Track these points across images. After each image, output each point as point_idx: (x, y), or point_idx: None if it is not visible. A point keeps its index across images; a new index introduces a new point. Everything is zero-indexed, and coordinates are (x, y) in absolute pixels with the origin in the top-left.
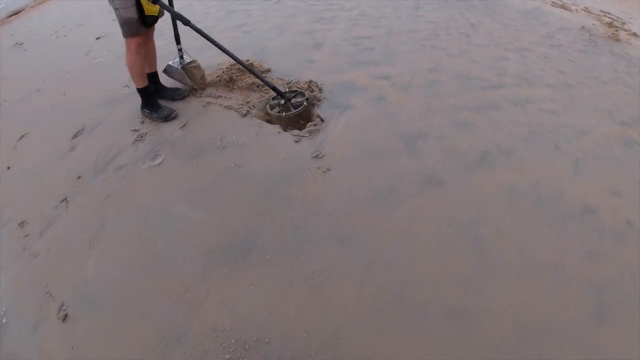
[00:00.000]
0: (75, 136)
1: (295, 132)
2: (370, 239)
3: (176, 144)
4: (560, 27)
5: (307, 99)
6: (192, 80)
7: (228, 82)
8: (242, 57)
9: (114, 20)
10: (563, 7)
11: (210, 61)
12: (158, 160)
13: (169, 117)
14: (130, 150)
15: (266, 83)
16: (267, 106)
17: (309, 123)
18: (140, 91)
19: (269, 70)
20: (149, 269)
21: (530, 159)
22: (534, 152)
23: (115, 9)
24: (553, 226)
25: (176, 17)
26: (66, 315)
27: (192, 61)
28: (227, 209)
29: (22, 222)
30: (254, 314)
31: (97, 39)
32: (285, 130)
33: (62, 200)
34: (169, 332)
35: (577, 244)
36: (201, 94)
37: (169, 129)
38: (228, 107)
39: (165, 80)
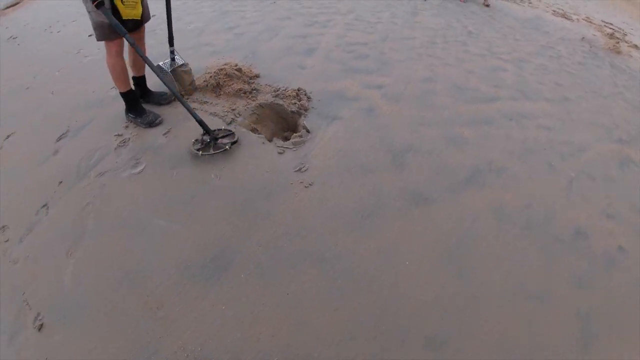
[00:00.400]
0: (59, 139)
1: (280, 143)
2: (350, 260)
3: (158, 152)
4: (560, 37)
5: (234, 142)
6: (181, 85)
7: (215, 88)
8: (233, 60)
9: None
10: (564, 16)
11: (198, 64)
12: (139, 168)
13: (153, 123)
14: (113, 156)
15: (194, 117)
16: (194, 140)
17: (294, 134)
18: (123, 95)
19: (257, 76)
20: (125, 281)
21: (522, 178)
22: (526, 170)
23: (88, 12)
24: (542, 250)
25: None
26: (42, 325)
27: (183, 64)
28: (205, 222)
29: (3, 227)
30: (225, 334)
31: (89, 36)
32: (270, 140)
33: (43, 206)
34: (141, 348)
35: (566, 269)
36: (188, 98)
37: (153, 135)
38: (213, 114)
39: (152, 84)
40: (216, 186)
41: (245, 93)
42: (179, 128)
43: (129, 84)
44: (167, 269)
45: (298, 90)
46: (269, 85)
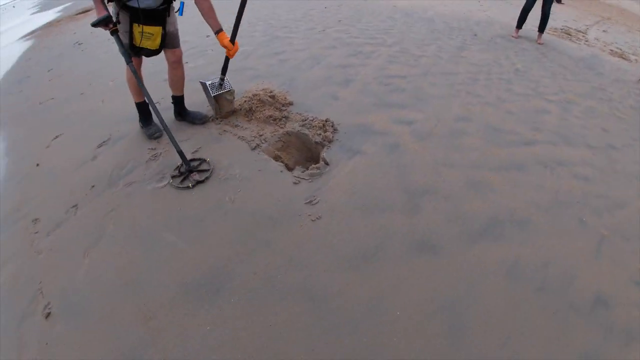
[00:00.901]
0: (100, 145)
1: (297, 173)
2: (340, 301)
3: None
4: (614, 78)
5: (200, 182)
6: (219, 111)
7: (247, 112)
8: (271, 86)
9: (207, 36)
10: (621, 56)
11: (238, 87)
12: (163, 183)
13: (152, 136)
14: (143, 168)
15: (175, 147)
16: (176, 166)
17: (313, 165)
18: (136, 105)
19: (290, 104)
20: (127, 288)
21: (545, 233)
22: (552, 224)
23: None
24: (552, 318)
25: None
26: (49, 313)
27: (229, 91)
28: (210, 244)
29: (35, 219)
30: (204, 354)
31: None
32: (292, 169)
33: (73, 206)
34: (128, 352)
35: (576, 342)
36: (221, 120)
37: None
38: (241, 138)
39: (190, 102)
40: (228, 209)
41: (274, 120)
42: (206, 148)
43: (142, 96)
44: (165, 283)
45: (325, 121)
46: (300, 114)
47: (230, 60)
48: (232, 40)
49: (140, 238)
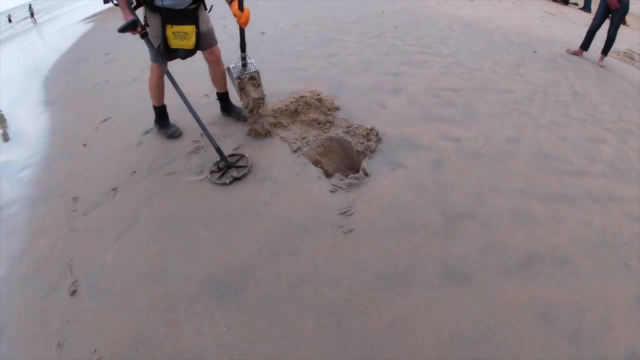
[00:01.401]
0: (146, 132)
1: (335, 181)
2: (360, 321)
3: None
4: None
5: (237, 178)
6: (244, 98)
7: (293, 113)
8: (319, 88)
9: (224, 27)
10: None
11: (287, 87)
12: (202, 176)
13: (172, 135)
14: (183, 160)
15: (213, 144)
16: (214, 162)
17: (352, 175)
18: (155, 108)
19: (337, 109)
20: (151, 277)
21: (586, 275)
22: (595, 266)
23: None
24: None
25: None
26: (75, 291)
27: (254, 72)
28: (239, 243)
29: (75, 198)
30: (216, 354)
31: None
32: (331, 175)
33: (113, 189)
34: (143, 342)
35: None
36: (264, 117)
37: (223, 149)
38: (283, 139)
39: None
40: (261, 211)
41: (319, 124)
42: (248, 146)
43: (162, 101)
44: (189, 277)
45: (370, 129)
46: (345, 120)
47: (283, 59)
48: (240, 7)
49: (172, 229)
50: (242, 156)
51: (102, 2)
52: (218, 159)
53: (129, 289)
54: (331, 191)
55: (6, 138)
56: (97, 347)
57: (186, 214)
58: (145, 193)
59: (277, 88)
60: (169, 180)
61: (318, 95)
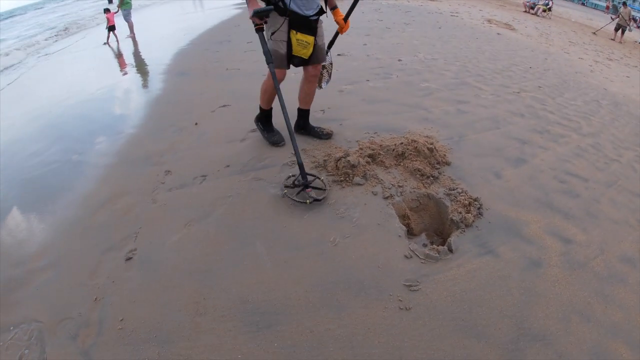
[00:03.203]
0: (253, 130)
1: (415, 246)
2: None
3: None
4: None
5: (316, 200)
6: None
7: (398, 156)
8: (436, 135)
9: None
10: None
11: (405, 125)
12: (284, 192)
13: (276, 143)
14: (276, 170)
15: (297, 159)
16: (289, 175)
17: (435, 246)
18: (263, 111)
19: (447, 164)
20: (199, 275)
21: None
22: None
23: (268, 39)
24: None
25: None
26: (130, 258)
27: (328, 65)
28: (290, 276)
29: (168, 171)
30: None
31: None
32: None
33: (203, 176)
34: (164, 332)
35: None
36: (364, 150)
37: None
38: (379, 181)
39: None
40: (326, 251)
41: (422, 175)
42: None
43: (270, 105)
44: (231, 290)
45: (474, 199)
46: (451, 179)
47: (411, 94)
48: (345, 19)
49: (236, 235)
50: (317, 177)
51: None
52: (290, 174)
53: (175, 278)
54: (406, 256)
55: None
56: (125, 318)
57: (256, 226)
58: (229, 191)
59: (393, 122)
60: (254, 186)
61: (431, 143)
